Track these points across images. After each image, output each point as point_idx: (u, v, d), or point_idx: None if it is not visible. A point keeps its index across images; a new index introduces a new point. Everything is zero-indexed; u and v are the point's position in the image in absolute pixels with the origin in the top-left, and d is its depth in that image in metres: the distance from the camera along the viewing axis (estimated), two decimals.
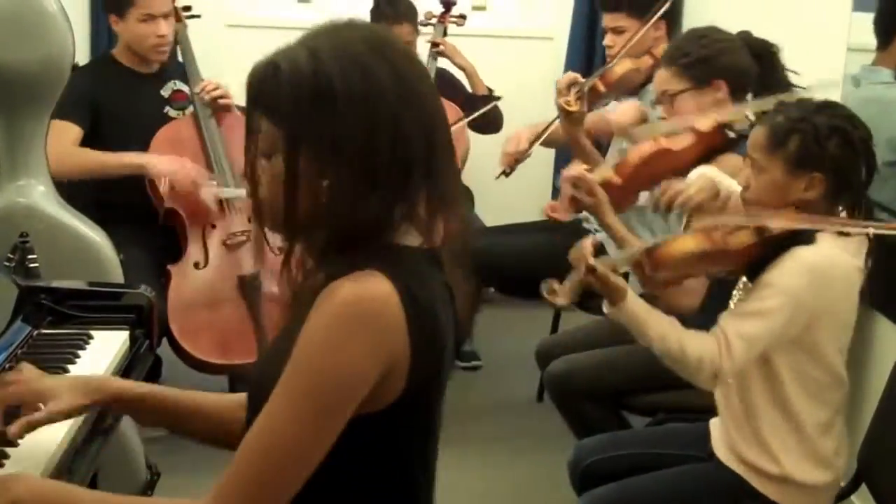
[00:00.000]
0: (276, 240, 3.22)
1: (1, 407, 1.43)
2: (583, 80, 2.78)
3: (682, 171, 2.34)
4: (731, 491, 1.95)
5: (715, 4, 3.37)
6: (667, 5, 2.89)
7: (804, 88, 2.47)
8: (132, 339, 2.00)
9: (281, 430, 1.19)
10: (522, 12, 4.55)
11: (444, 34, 3.84)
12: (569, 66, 4.25)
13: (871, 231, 1.82)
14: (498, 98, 3.74)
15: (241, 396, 1.42)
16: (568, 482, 2.23)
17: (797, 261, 1.81)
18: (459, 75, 3.95)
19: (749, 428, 1.94)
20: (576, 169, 2.42)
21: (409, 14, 3.72)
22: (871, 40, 2.66)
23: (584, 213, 3.38)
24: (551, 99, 4.25)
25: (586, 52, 4.23)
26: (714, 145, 2.36)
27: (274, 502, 1.21)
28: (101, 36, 4.00)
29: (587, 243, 1.88)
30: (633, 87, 3.05)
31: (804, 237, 1.82)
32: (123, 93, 3.17)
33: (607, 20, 3.13)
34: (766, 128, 1.88)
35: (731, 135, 2.39)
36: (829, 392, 1.91)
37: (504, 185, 3.20)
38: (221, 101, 3.21)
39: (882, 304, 2.27)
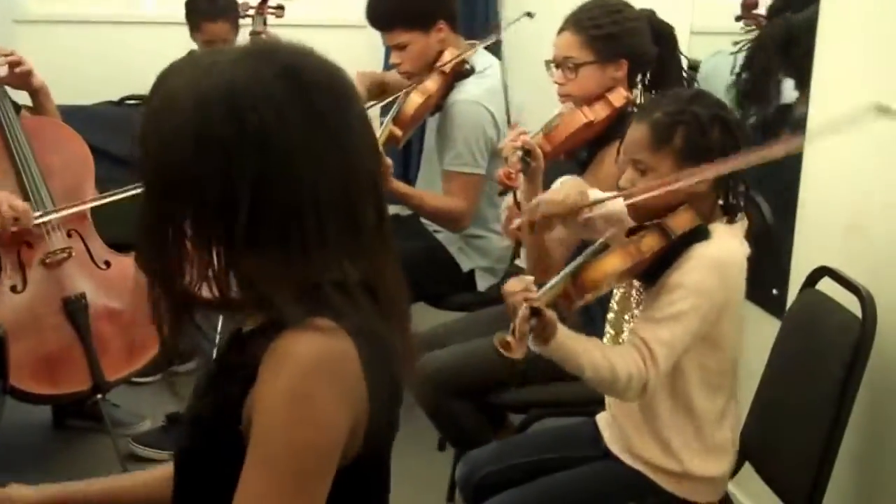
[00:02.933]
0: (102, 254, 2.95)
1: None
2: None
3: (593, 141, 2.44)
4: (633, 488, 1.92)
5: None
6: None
7: (691, 74, 2.50)
8: None
9: None
10: (334, 1, 4.44)
11: (264, 25, 3.67)
12: (388, 56, 4.16)
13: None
14: None
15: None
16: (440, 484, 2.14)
17: (701, 259, 1.79)
18: None
19: (648, 428, 1.91)
20: (522, 134, 2.35)
21: (228, 10, 3.51)
22: (714, 23, 2.71)
23: None
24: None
25: None
26: (615, 122, 2.39)
27: None
28: None
29: (526, 282, 1.76)
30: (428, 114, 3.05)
31: (701, 234, 1.80)
32: None
33: (387, 39, 3.06)
34: (645, 126, 1.84)
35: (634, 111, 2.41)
36: (723, 378, 1.90)
37: None
38: (18, 70, 2.89)
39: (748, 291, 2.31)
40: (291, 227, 1.10)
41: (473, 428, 2.54)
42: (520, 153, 2.25)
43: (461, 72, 3.00)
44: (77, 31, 4.06)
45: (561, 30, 2.44)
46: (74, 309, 2.81)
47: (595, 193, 2.02)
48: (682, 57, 2.55)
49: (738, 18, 2.76)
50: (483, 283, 3.16)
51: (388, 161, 2.70)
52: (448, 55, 2.97)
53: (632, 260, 1.79)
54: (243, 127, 1.07)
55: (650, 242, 1.79)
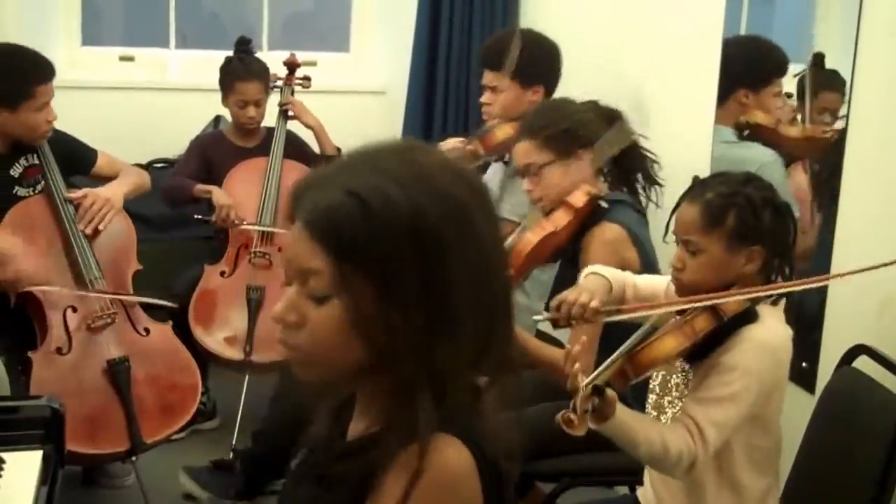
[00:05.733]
0: (142, 321, 3.03)
1: None
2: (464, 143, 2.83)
3: (562, 247, 2.45)
4: None
5: (588, 65, 3.45)
6: (516, 53, 2.97)
7: (654, 155, 2.56)
8: (45, 458, 1.84)
9: None
10: (353, 67, 4.55)
11: (292, 94, 3.78)
12: (408, 121, 4.26)
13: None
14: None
15: None
16: None
17: (754, 341, 1.83)
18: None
19: (691, 503, 1.95)
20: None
21: (262, 74, 3.64)
22: None
23: None
24: None
25: (425, 107, 4.24)
26: (587, 217, 2.43)
27: None
28: None
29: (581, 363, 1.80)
30: (506, 150, 3.09)
31: (750, 316, 1.85)
32: None
33: (488, 78, 3.16)
34: (697, 207, 1.88)
35: (604, 204, 2.44)
36: (771, 458, 1.95)
37: None
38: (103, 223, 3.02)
39: None
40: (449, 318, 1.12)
41: None
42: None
43: None
44: (108, 98, 4.21)
45: (517, 141, 2.51)
46: (117, 371, 2.88)
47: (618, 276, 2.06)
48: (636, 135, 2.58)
49: None
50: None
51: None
52: None
53: (689, 341, 1.83)
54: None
55: (703, 324, 1.83)
